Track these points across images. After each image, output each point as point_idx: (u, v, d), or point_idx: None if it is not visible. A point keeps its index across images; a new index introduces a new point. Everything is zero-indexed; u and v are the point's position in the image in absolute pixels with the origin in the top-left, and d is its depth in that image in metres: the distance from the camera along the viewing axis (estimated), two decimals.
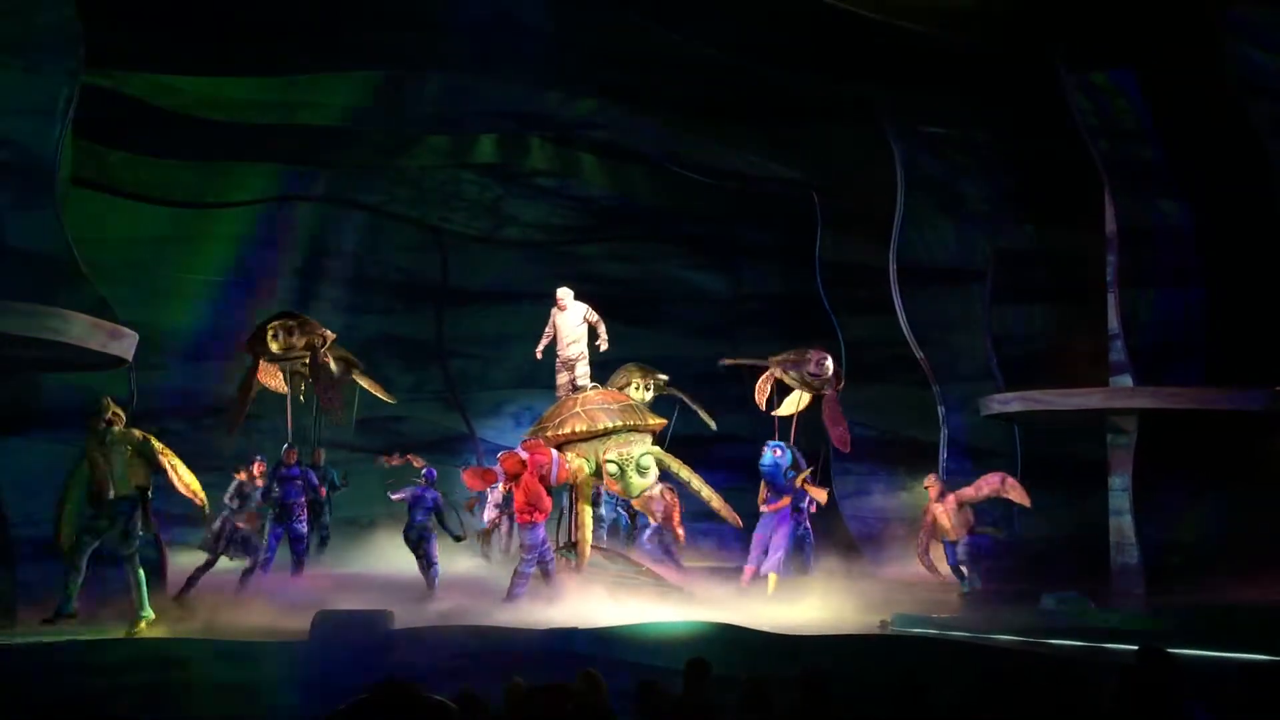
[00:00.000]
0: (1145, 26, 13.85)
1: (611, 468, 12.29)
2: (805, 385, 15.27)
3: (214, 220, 18.00)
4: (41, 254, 11.83)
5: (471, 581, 13.43)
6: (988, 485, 14.10)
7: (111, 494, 10.93)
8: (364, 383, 15.45)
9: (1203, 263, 14.46)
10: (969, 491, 14.13)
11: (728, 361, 16.29)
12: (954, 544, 14.18)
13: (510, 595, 11.82)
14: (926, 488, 14.36)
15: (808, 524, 15.05)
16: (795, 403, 15.53)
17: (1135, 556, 14.09)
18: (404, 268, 19.69)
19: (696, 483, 12.89)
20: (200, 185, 17.80)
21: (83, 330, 11.10)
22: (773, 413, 15.69)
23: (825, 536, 15.93)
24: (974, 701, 5.62)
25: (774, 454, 13.49)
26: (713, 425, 15.99)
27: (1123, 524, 14.28)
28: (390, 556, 14.75)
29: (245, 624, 10.74)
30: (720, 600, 12.51)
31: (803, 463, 14.17)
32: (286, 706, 7.85)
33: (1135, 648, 5.66)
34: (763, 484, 13.77)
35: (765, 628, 10.21)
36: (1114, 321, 14.53)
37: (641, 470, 12.35)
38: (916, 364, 16.25)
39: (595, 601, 11.61)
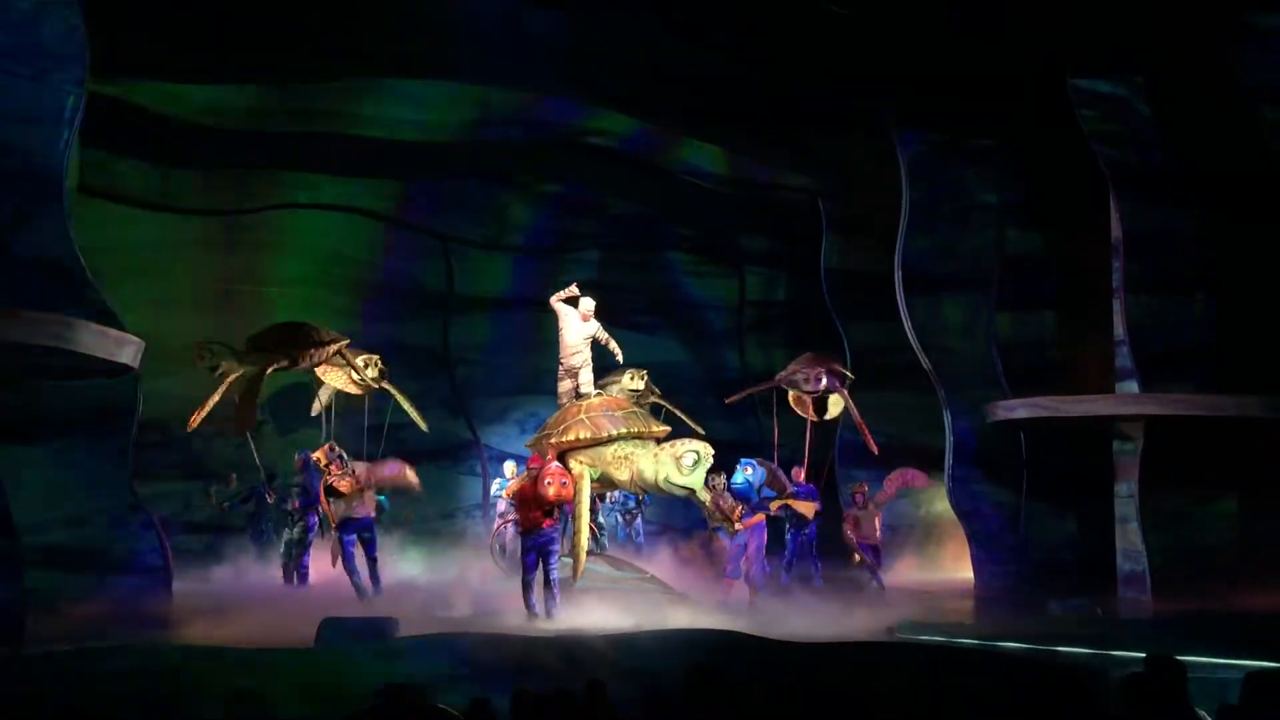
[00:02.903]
0: (1153, 33, 13.86)
1: (689, 458, 12.05)
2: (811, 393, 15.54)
3: (221, 228, 18.02)
4: (49, 262, 11.87)
5: (479, 588, 13.40)
6: (892, 484, 15.54)
7: None
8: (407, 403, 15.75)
9: (1209, 269, 14.47)
10: (884, 494, 15.49)
11: (733, 399, 16.46)
12: (873, 547, 15.22)
13: (530, 605, 11.78)
14: (855, 493, 15.46)
15: (813, 533, 15.10)
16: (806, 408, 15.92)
17: (1142, 564, 14.07)
18: (410, 275, 19.70)
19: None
20: (207, 193, 17.83)
21: (89, 338, 11.12)
22: (825, 418, 16.53)
23: (830, 543, 15.91)
24: (981, 709, 5.62)
25: (745, 472, 13.50)
26: (699, 431, 16.22)
27: (1129, 531, 14.25)
28: (399, 561, 14.78)
29: (252, 631, 10.75)
30: (727, 608, 12.50)
31: (784, 480, 14.13)
32: (293, 714, 7.85)
33: (1143, 655, 5.65)
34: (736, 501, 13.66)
35: (772, 635, 10.20)
36: (1120, 328, 14.52)
37: (695, 464, 12.12)
38: (922, 370, 16.23)
39: (602, 609, 11.60)
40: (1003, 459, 15.71)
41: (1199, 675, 7.03)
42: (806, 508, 14.35)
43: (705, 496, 12.85)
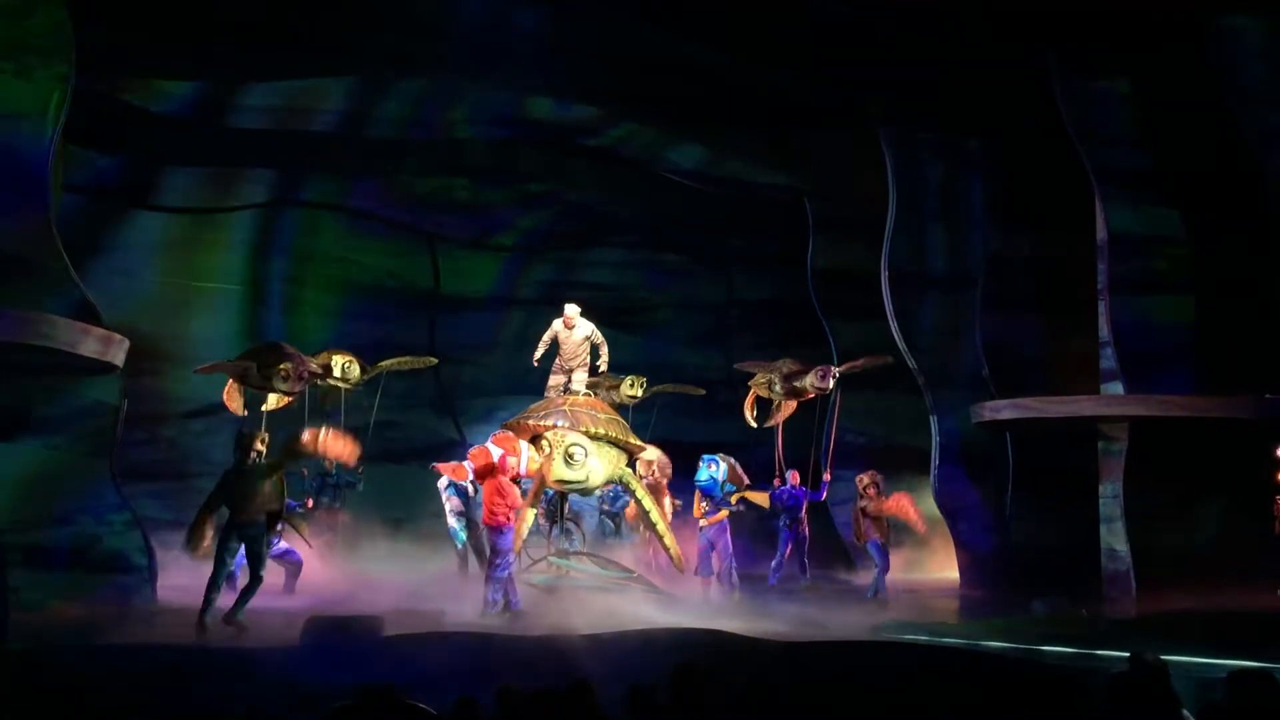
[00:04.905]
0: (1137, 34, 13.92)
1: (544, 445, 12.22)
2: (797, 393, 15.42)
3: (205, 226, 17.94)
4: (32, 260, 11.81)
5: (462, 588, 13.37)
6: (893, 503, 14.45)
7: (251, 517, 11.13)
8: (396, 363, 16.07)
9: (1194, 270, 14.52)
10: (879, 502, 14.38)
11: (742, 366, 16.31)
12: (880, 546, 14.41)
13: (487, 599, 11.73)
14: (866, 488, 14.38)
15: (805, 530, 15.10)
16: (781, 414, 15.80)
17: (1126, 563, 14.11)
18: (396, 274, 19.64)
19: (656, 514, 12.81)
20: (191, 191, 17.74)
21: (73, 336, 11.10)
22: (766, 424, 15.92)
23: (816, 542, 15.93)
24: (965, 708, 5.63)
25: (709, 469, 13.46)
26: (700, 391, 17.51)
27: (1113, 531, 14.29)
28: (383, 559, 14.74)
29: (240, 630, 10.72)
30: (711, 605, 12.50)
31: (742, 473, 14.07)
32: (278, 713, 7.82)
33: (1127, 654, 5.67)
34: (698, 497, 13.68)
35: (755, 634, 10.21)
36: (1105, 329, 14.58)
37: (569, 459, 12.10)
38: (908, 371, 16.27)
39: (587, 607, 11.59)
40: (988, 460, 15.76)
41: (1183, 675, 7.06)
42: (761, 498, 14.37)
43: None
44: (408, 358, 16.37)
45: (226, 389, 14.54)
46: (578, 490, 12.93)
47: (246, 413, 14.59)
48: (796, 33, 14.51)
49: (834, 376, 15.13)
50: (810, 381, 15.14)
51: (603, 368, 14.21)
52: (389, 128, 17.65)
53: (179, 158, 17.21)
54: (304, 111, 16.93)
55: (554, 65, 15.46)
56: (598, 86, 16.51)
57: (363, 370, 15.68)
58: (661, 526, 12.77)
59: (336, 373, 15.35)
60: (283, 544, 13.18)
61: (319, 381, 15.08)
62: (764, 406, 16.12)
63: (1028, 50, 14.40)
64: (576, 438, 12.20)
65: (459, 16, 14.48)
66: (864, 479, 14.51)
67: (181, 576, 13.99)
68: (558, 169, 19.43)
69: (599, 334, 13.76)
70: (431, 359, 16.87)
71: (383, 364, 16.00)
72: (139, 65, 15.07)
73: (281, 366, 13.77)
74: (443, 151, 18.47)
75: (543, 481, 12.50)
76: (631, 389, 16.69)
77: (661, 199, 19.84)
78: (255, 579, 11.08)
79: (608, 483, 13.03)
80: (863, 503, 14.44)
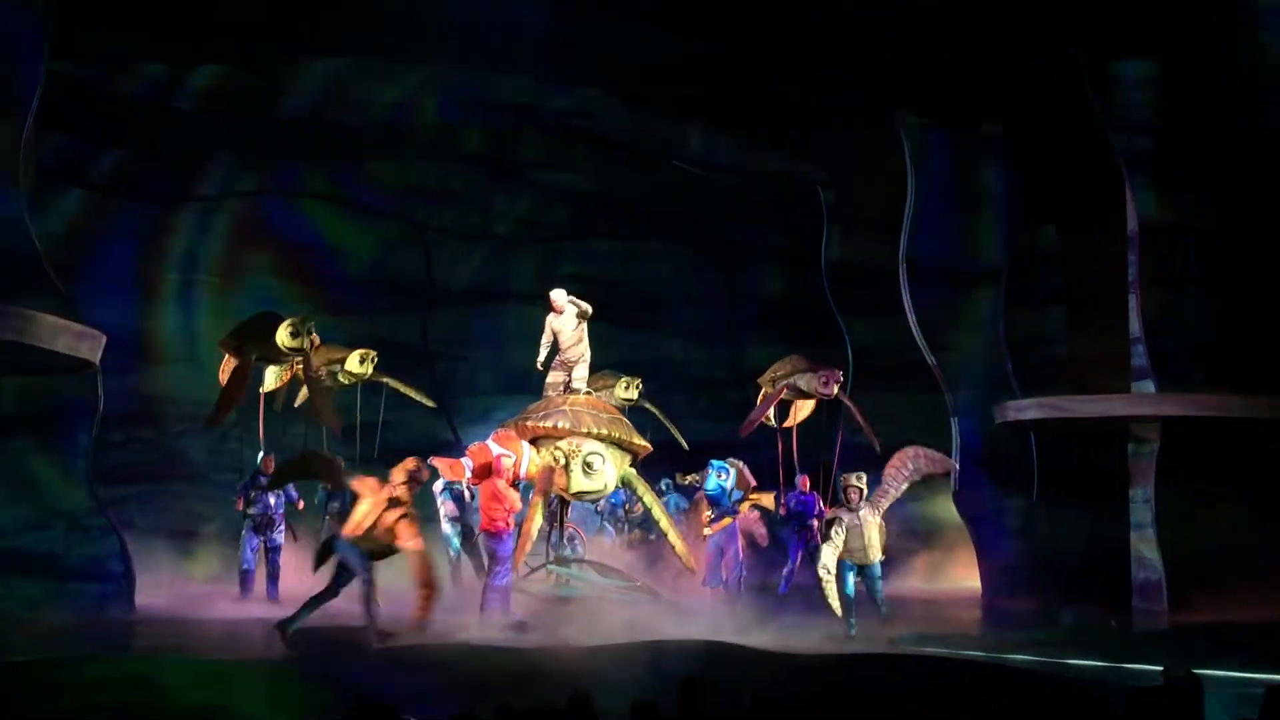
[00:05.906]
0: (1167, 17, 13.91)
1: (558, 455, 12.25)
2: (805, 395, 15.53)
3: (186, 216, 17.96)
4: (5, 251, 11.84)
5: (457, 598, 13.39)
6: (899, 473, 12.42)
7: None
8: (398, 386, 16.56)
9: (1229, 263, 14.50)
10: (888, 494, 12.35)
11: (746, 432, 16.22)
12: (863, 566, 12.20)
13: (484, 609, 11.75)
14: (847, 488, 12.27)
15: (816, 539, 15.12)
16: (796, 414, 15.89)
17: (1157, 571, 14.11)
18: (387, 266, 19.63)
19: (658, 511, 12.82)
20: (172, 179, 17.76)
21: (48, 331, 11.12)
22: (784, 425, 15.99)
23: None
24: None
25: (718, 477, 13.47)
26: (684, 445, 17.19)
27: (1144, 537, 14.30)
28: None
29: (221, 642, 10.74)
30: (719, 616, 12.51)
31: (750, 477, 14.09)
32: None
33: (1158, 668, 5.68)
34: (705, 504, 13.73)
35: (765, 645, 10.23)
36: (1135, 325, 14.55)
37: (587, 469, 12.15)
38: (927, 369, 16.26)
39: (588, 618, 11.61)
40: (1011, 462, 15.75)
41: (1217, 690, 7.07)
42: (768, 499, 14.39)
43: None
44: (414, 392, 16.80)
45: (222, 368, 14.48)
46: (594, 499, 13.03)
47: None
48: (814, 22, 14.50)
49: (837, 382, 15.23)
50: (813, 385, 15.24)
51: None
52: (381, 113, 17.64)
53: (155, 145, 17.20)
54: (290, 96, 16.93)
55: (556, 50, 15.47)
56: (602, 72, 16.53)
57: (374, 372, 15.84)
58: (665, 523, 12.80)
59: (354, 361, 15.44)
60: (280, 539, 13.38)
61: (337, 373, 15.22)
62: (782, 406, 16.18)
63: (1052, 38, 14.39)
64: (594, 446, 12.21)
65: (458, 2, 14.50)
66: (849, 478, 12.40)
67: (160, 584, 14.09)
68: (560, 156, 19.42)
69: (583, 304, 13.48)
70: (430, 403, 17.27)
71: (395, 383, 16.36)
72: (117, 50, 15.06)
73: (284, 326, 13.75)
74: (438, 138, 18.46)
75: (549, 491, 12.46)
76: (627, 391, 16.66)
77: (668, 188, 19.82)
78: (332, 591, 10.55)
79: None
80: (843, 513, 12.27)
